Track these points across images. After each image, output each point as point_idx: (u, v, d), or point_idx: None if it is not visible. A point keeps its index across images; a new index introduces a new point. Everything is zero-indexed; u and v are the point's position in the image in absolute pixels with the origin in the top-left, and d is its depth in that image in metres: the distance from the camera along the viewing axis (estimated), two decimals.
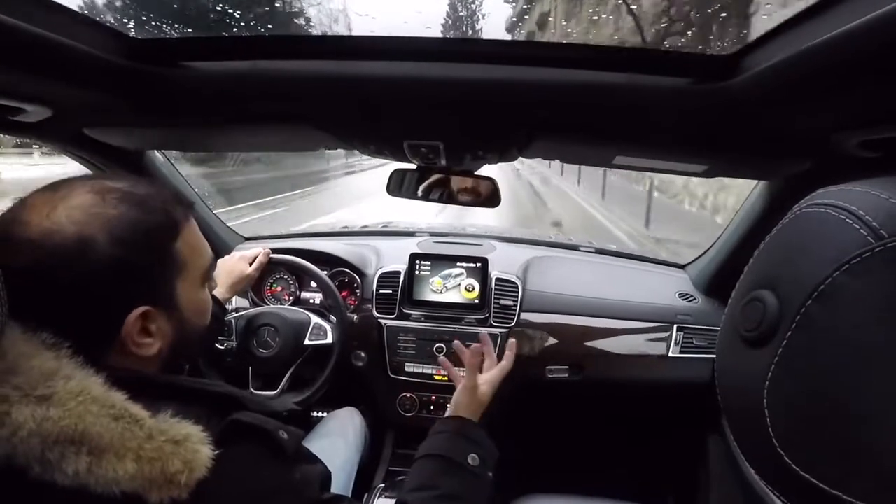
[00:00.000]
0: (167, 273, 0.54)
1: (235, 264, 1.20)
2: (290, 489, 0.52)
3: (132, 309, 0.50)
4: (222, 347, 1.21)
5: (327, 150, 1.16)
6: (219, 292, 1.12)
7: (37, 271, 0.46)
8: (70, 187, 0.50)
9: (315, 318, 1.29)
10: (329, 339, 1.26)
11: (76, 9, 0.60)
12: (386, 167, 1.14)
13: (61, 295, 0.47)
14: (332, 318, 1.32)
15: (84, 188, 0.50)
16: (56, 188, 0.50)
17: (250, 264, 1.23)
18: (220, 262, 1.22)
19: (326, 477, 0.59)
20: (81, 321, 0.48)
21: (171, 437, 0.45)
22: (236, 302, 1.31)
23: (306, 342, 1.25)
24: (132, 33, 0.68)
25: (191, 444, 0.45)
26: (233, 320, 1.21)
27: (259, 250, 1.26)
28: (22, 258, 0.45)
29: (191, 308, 0.57)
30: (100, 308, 0.49)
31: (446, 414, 0.86)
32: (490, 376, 0.92)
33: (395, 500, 0.66)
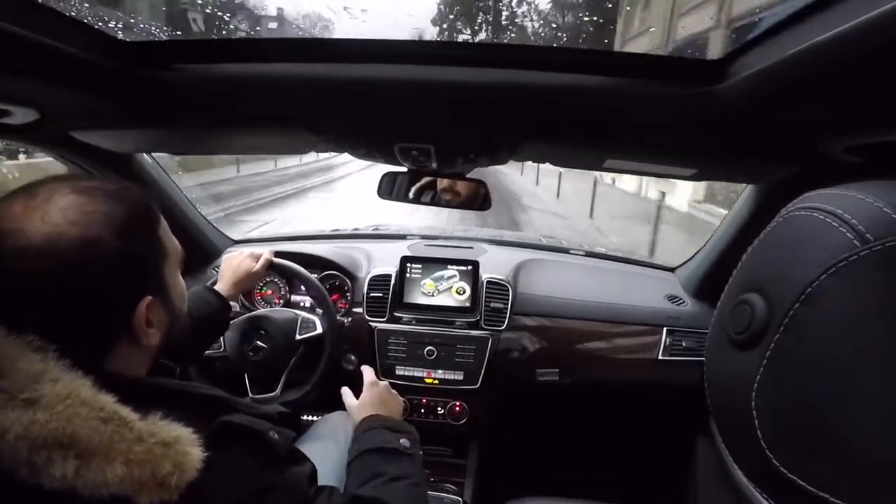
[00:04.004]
0: (159, 261, 0.55)
1: (242, 261, 1.16)
2: (281, 489, 0.52)
3: (139, 301, 0.51)
4: (212, 354, 1.19)
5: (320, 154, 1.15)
6: (223, 289, 1.09)
7: (45, 277, 0.44)
8: (48, 190, 0.48)
9: (303, 314, 1.29)
10: (319, 330, 1.26)
11: (64, 11, 0.60)
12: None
13: (70, 296, 0.46)
14: (320, 310, 1.32)
15: (64, 189, 0.48)
16: (32, 193, 0.47)
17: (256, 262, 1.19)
18: (224, 258, 1.20)
19: (314, 473, 0.60)
20: (86, 321, 0.48)
21: (161, 440, 0.44)
22: None
23: (297, 337, 1.25)
24: (120, 35, 0.67)
25: (181, 445, 0.45)
26: None
27: (263, 251, 1.23)
28: (25, 266, 0.44)
29: (176, 293, 0.59)
30: (108, 304, 0.49)
31: (356, 418, 0.89)
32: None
33: (346, 500, 0.64)
